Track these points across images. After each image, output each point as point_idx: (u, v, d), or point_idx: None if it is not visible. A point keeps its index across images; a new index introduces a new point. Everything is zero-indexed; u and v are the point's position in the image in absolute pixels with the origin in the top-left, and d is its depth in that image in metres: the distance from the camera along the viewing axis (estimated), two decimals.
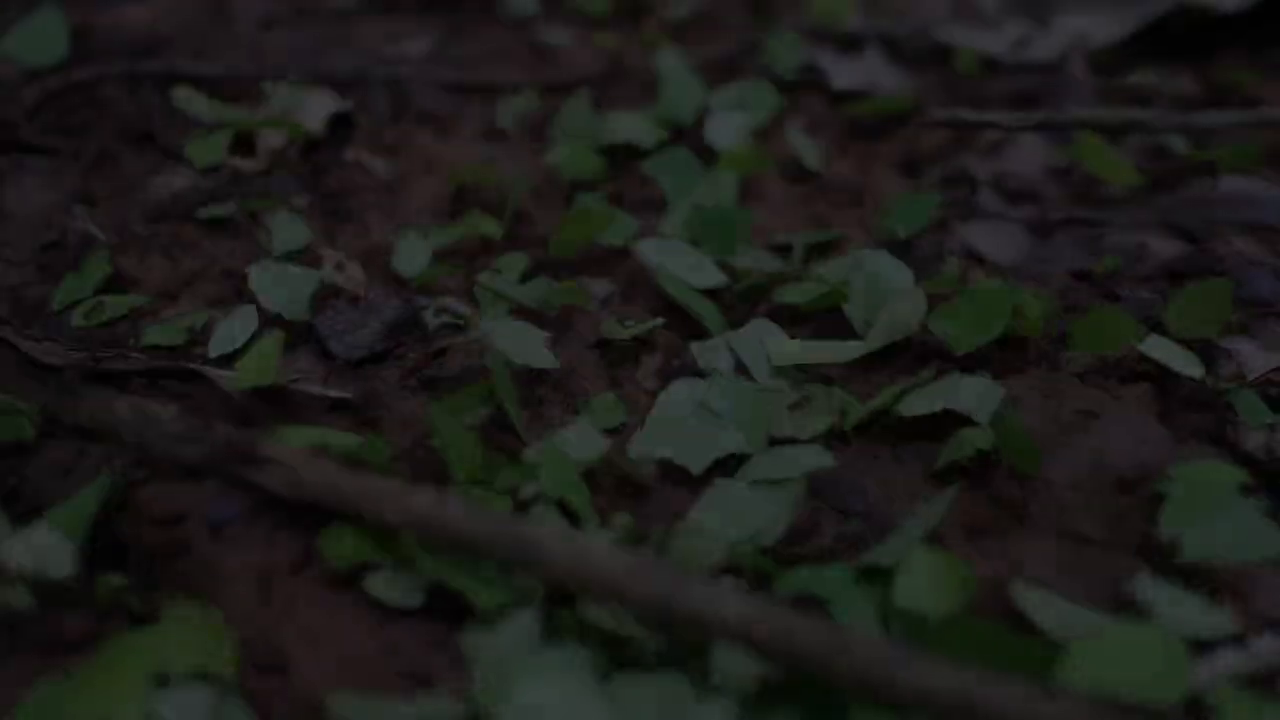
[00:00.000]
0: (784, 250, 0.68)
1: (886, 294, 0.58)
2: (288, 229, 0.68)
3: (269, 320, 0.60)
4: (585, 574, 0.40)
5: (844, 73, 0.90)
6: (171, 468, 0.48)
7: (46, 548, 0.41)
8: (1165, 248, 0.66)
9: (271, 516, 0.47)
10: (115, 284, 0.62)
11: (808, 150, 0.77)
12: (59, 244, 0.66)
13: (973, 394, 0.51)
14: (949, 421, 0.52)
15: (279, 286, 0.60)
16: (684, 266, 0.62)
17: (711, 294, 0.63)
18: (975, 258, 0.67)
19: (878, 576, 0.44)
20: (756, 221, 0.71)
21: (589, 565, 0.40)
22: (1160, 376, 0.55)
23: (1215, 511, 0.44)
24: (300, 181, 0.74)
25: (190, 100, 0.79)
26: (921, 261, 0.65)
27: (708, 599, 0.38)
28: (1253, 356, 0.57)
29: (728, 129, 0.79)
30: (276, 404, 0.54)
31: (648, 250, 0.63)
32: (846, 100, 0.88)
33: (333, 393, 0.53)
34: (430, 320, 0.59)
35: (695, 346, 0.57)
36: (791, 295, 0.60)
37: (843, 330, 0.59)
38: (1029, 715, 0.34)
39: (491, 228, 0.68)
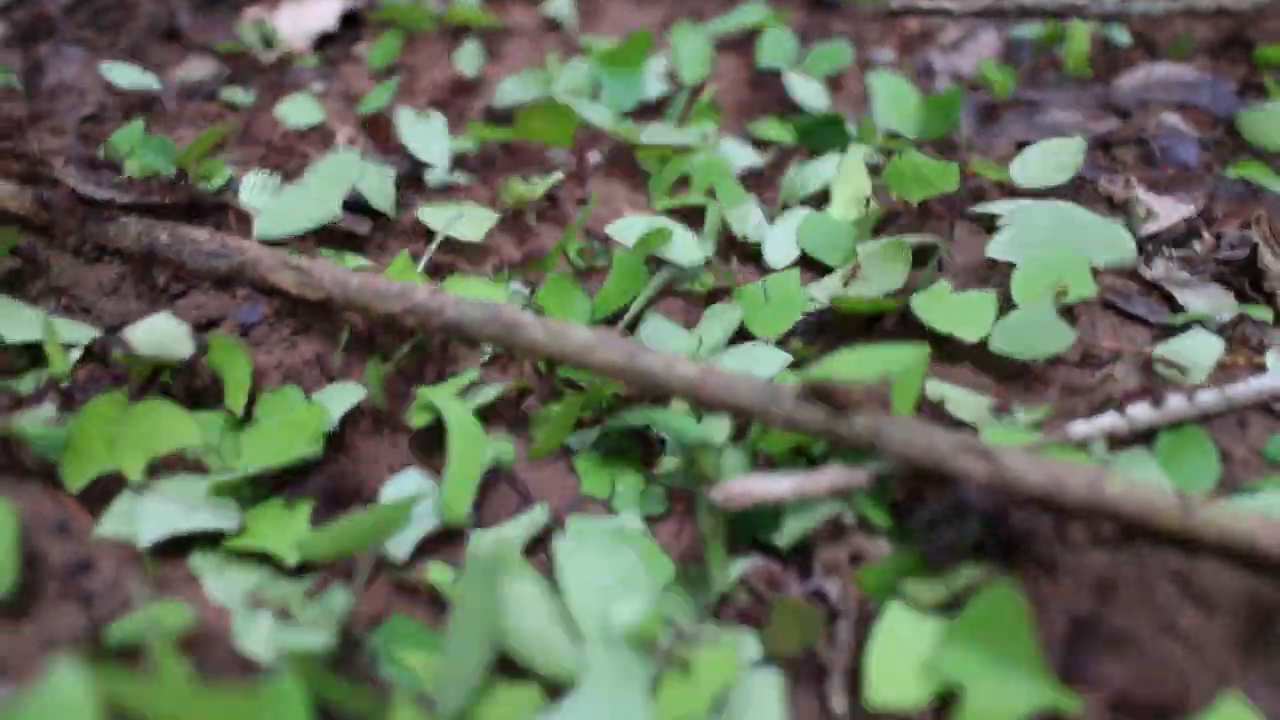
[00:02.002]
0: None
1: None
2: (302, 108, 0.75)
3: None
4: (564, 350, 0.47)
5: None
6: (206, 280, 0.55)
7: (170, 333, 0.48)
8: (1101, 124, 0.72)
9: (293, 321, 0.54)
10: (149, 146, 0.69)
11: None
12: (97, 116, 0.72)
13: None
14: None
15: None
16: None
17: None
18: None
19: None
20: None
21: (565, 342, 0.47)
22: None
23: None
24: (315, 71, 0.81)
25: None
26: None
27: (658, 360, 0.45)
28: (1168, 208, 0.63)
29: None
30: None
31: None
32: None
33: (346, 225, 0.60)
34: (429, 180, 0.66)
35: None
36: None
37: None
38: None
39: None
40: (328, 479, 0.48)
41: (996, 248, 0.56)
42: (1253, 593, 0.40)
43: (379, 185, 0.63)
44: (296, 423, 0.48)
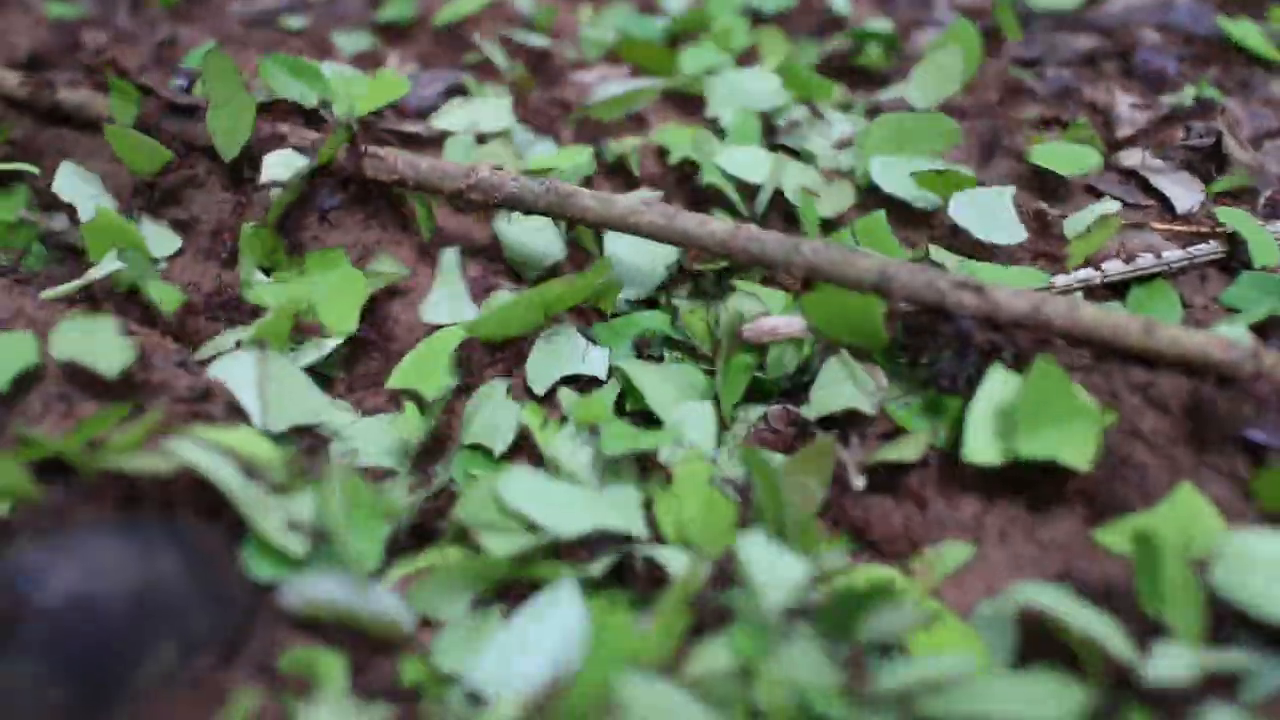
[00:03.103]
0: None
1: None
2: (353, 40, 0.82)
3: None
4: (610, 215, 0.54)
5: None
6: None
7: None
8: (1087, 41, 0.79)
9: (368, 205, 0.61)
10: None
11: None
12: (171, 41, 0.79)
13: None
14: None
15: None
16: None
17: None
18: None
19: None
20: None
21: (612, 209, 0.54)
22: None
23: None
24: (365, 3, 0.88)
25: None
26: None
27: (694, 220, 0.52)
28: (1145, 111, 0.70)
29: None
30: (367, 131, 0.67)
31: None
32: None
33: (409, 128, 0.67)
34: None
35: None
36: None
37: None
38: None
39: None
40: None
41: None
42: (1202, 398, 0.47)
43: None
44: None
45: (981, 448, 0.44)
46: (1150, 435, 0.47)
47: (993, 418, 0.45)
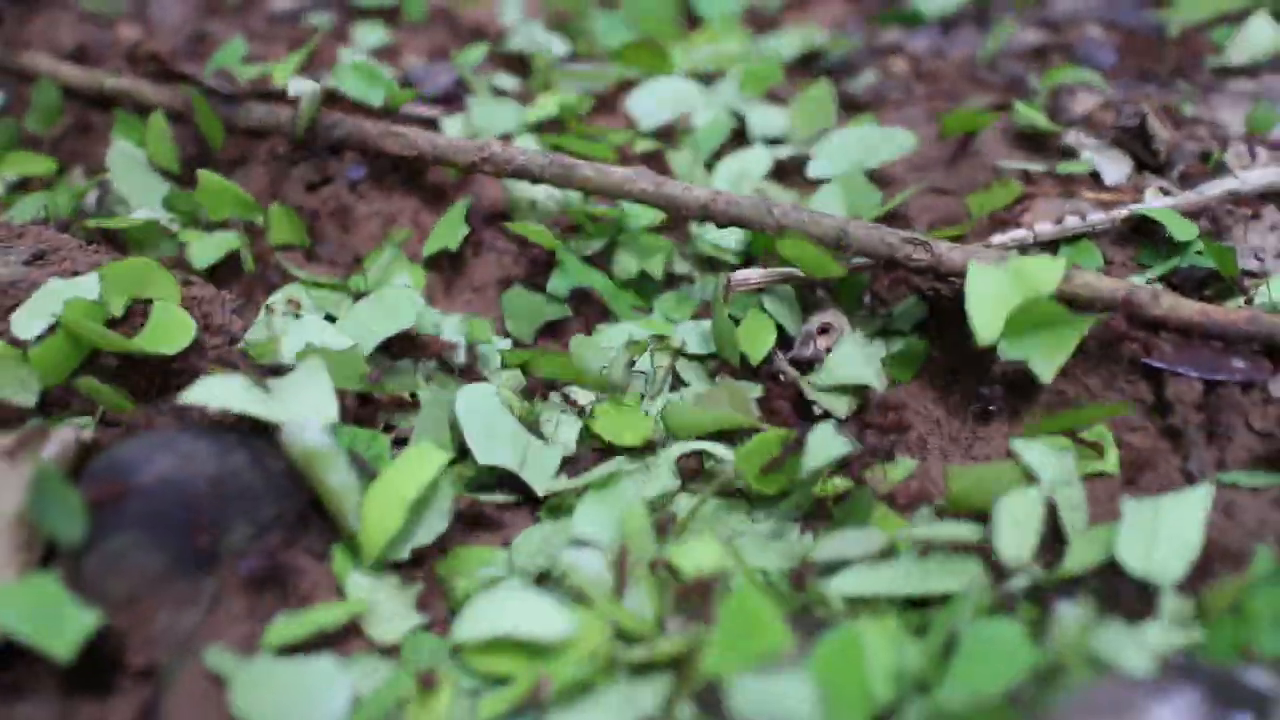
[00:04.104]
0: None
1: None
2: (372, 32, 0.90)
3: None
4: (608, 183, 0.62)
5: None
6: (319, 146, 0.70)
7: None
8: (1036, 37, 0.87)
9: (392, 177, 0.69)
10: (249, 60, 0.84)
11: None
12: (202, 36, 0.87)
13: None
14: None
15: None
16: None
17: None
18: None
19: None
20: None
21: (609, 177, 0.62)
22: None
23: None
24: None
25: None
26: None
27: (679, 187, 0.60)
28: (1085, 99, 0.78)
29: None
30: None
31: None
32: None
33: (426, 112, 0.75)
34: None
35: None
36: None
37: None
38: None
39: None
40: None
41: None
42: (1113, 335, 0.54)
43: None
44: None
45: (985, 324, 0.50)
46: (1068, 366, 0.55)
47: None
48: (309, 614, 0.43)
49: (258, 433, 0.48)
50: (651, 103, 0.75)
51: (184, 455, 0.44)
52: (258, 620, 0.44)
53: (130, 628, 0.42)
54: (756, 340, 0.58)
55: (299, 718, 0.40)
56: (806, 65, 0.86)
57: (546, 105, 0.74)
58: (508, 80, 0.81)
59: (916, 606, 0.45)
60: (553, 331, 0.65)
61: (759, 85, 0.77)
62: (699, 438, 0.53)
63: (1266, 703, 0.37)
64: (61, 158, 0.76)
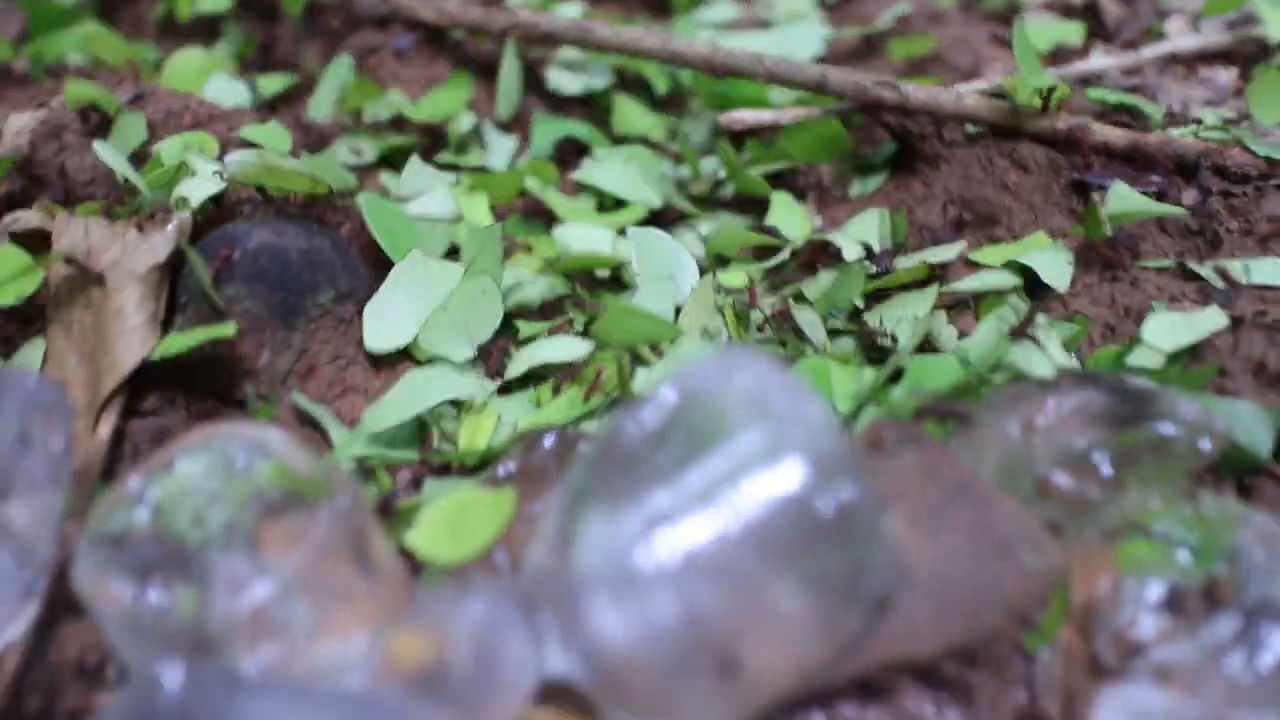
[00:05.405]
0: None
1: None
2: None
3: None
4: (621, 41, 0.71)
5: None
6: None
7: None
8: None
9: (431, 47, 0.78)
10: None
11: None
12: None
13: None
14: None
15: None
16: None
17: None
18: None
19: None
20: None
21: (621, 36, 0.71)
22: None
23: None
24: None
25: None
26: None
27: (684, 43, 0.70)
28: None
29: None
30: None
31: None
32: None
33: None
34: None
35: None
36: None
37: None
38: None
39: None
40: None
41: None
42: (1053, 160, 0.64)
43: None
44: None
45: None
46: (1014, 187, 0.64)
47: None
48: None
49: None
50: None
51: (278, 231, 0.54)
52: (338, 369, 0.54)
53: (241, 358, 0.52)
54: None
55: None
56: None
57: None
58: None
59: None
60: None
61: None
62: None
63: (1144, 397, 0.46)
64: None
